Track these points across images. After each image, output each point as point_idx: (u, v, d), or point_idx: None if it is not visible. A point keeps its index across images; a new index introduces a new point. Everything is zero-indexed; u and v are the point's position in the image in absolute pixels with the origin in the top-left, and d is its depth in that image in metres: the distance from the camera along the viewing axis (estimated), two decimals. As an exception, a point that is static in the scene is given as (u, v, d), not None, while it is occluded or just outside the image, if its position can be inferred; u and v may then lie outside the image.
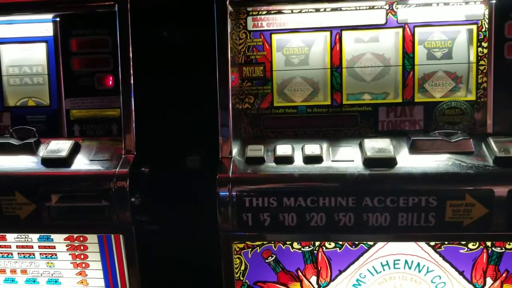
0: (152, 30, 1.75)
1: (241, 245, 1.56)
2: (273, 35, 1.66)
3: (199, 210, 1.72)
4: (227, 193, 1.47)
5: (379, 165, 1.46)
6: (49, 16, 1.69)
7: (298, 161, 1.52)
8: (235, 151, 1.59)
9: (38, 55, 1.73)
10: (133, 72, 1.61)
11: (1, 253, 1.67)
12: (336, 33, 1.64)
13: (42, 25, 1.71)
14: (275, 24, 1.65)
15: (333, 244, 1.53)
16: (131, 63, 1.61)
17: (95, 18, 1.68)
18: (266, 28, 1.65)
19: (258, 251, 1.56)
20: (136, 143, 1.61)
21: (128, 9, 1.59)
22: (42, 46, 1.72)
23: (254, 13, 1.65)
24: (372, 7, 1.62)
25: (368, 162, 1.47)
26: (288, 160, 1.52)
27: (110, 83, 1.69)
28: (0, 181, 1.55)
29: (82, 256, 1.64)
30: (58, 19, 1.69)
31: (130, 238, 1.58)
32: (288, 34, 1.66)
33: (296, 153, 1.54)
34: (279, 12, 1.65)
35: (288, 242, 1.54)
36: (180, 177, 1.83)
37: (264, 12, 1.64)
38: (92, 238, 1.61)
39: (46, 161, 1.57)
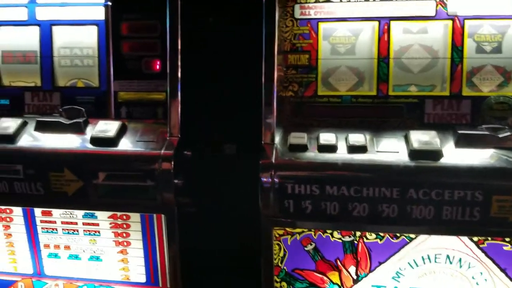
0: (201, 17, 1.77)
1: (281, 232, 1.57)
2: (320, 24, 1.66)
3: (240, 195, 1.74)
4: (270, 179, 1.49)
5: (424, 158, 1.45)
6: (101, 0, 1.74)
7: (342, 150, 1.52)
8: (277, 138, 1.60)
9: (89, 37, 1.77)
10: (181, 57, 1.64)
11: (46, 228, 1.73)
12: (384, 23, 1.63)
13: (94, 8, 1.75)
14: (322, 12, 1.65)
15: (374, 235, 1.53)
16: (179, 48, 1.64)
17: (146, 3, 1.71)
18: (313, 16, 1.65)
19: (298, 238, 1.57)
20: (181, 126, 1.65)
21: (179, -5, 1.63)
22: (94, 29, 1.76)
23: (302, 1, 1.65)
24: (422, -2, 1.61)
25: (414, 154, 1.45)
26: (332, 148, 1.52)
27: (158, 67, 1.72)
28: (50, 158, 1.61)
29: (124, 235, 1.68)
30: (109, 3, 1.73)
31: (172, 219, 1.61)
32: (335, 23, 1.66)
33: (339, 142, 1.54)
34: (328, 0, 1.65)
35: (328, 231, 1.55)
36: (222, 161, 1.85)
37: (313, 1, 1.65)
38: (135, 217, 1.65)
39: (94, 140, 1.62)
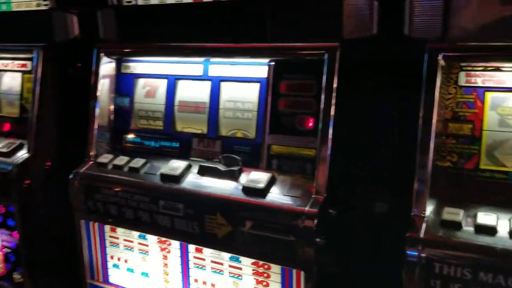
0: (357, 80, 1.80)
1: (423, 310, 1.46)
2: (487, 93, 1.54)
3: (381, 261, 1.68)
4: (416, 254, 1.41)
5: None
6: (266, 60, 1.88)
7: (503, 234, 1.37)
8: (429, 210, 1.51)
9: (251, 93, 1.93)
10: (333, 117, 1.68)
11: (198, 264, 1.89)
12: None
13: (259, 67, 1.91)
14: (491, 81, 1.53)
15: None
16: (333, 108, 1.68)
17: (305, 64, 1.81)
18: (480, 84, 1.55)
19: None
20: (327, 185, 1.67)
21: (337, 59, 1.68)
22: (256, 86, 1.92)
23: (468, 68, 1.56)
24: None
25: None
26: (491, 230, 1.38)
27: (311, 124, 1.79)
28: (207, 201, 1.78)
29: (264, 283, 1.75)
30: (273, 63, 1.87)
31: (311, 277, 1.63)
32: (505, 93, 1.52)
33: (501, 225, 1.39)
34: (497, 69, 1.52)
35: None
36: (365, 223, 1.82)
37: (480, 68, 1.54)
38: (276, 269, 1.71)
39: (246, 189, 1.74)
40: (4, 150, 2.27)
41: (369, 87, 1.81)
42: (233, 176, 1.83)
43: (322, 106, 1.70)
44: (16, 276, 2.37)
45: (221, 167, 1.85)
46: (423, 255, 1.40)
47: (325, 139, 1.69)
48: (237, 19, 1.89)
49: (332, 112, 1.68)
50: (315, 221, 1.59)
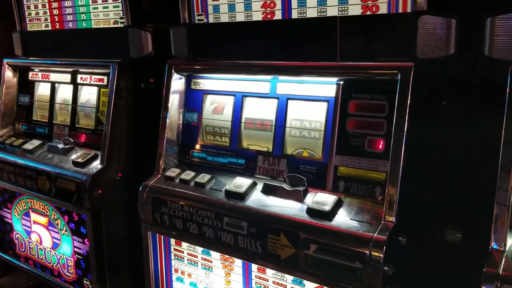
0: (431, 102, 1.72)
1: None
2: None
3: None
4: (494, 291, 1.31)
5: None
6: (334, 79, 1.85)
7: None
8: (510, 242, 1.40)
9: (318, 112, 1.90)
10: (405, 141, 1.61)
11: (259, 283, 1.87)
12: None
13: (327, 86, 1.87)
14: None
15: None
16: (405, 131, 1.61)
17: (375, 83, 1.75)
18: None
19: None
20: (397, 211, 1.60)
21: (411, 79, 1.61)
22: (324, 105, 1.88)
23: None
24: None
25: None
26: None
27: (381, 147, 1.73)
28: (270, 220, 1.76)
29: (327, 309, 1.70)
30: (341, 82, 1.83)
31: (377, 307, 1.56)
32: None
33: None
34: None
35: None
36: (437, 252, 1.72)
37: None
38: (340, 294, 1.66)
39: (310, 211, 1.71)
40: (80, 160, 2.40)
41: (444, 108, 1.72)
42: (298, 196, 1.80)
43: (394, 127, 1.63)
44: (86, 283, 2.48)
45: (286, 187, 1.83)
46: (502, 292, 1.30)
47: (396, 162, 1.61)
48: (306, 37, 1.88)
49: (405, 134, 1.61)
50: (384, 248, 1.52)
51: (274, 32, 1.97)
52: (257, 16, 2.00)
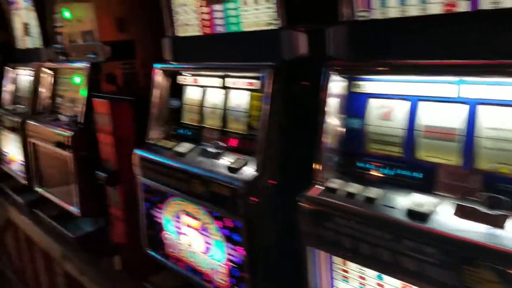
0: None
1: None
2: None
3: None
4: None
5: None
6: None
7: None
8: None
9: (522, 120, 1.59)
10: None
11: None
12: None
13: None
14: None
15: None
16: None
17: None
18: None
19: None
20: None
21: None
22: (529, 112, 1.57)
23: None
24: None
25: None
26: None
27: None
28: (470, 249, 1.50)
29: None
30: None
31: None
32: None
33: None
34: None
35: None
36: None
37: None
38: None
39: (520, 242, 1.42)
40: (235, 166, 2.35)
41: None
42: (496, 221, 1.52)
43: None
44: (240, 292, 2.43)
45: (484, 209, 1.55)
46: None
47: None
48: (496, 32, 1.58)
49: None
50: None
51: (456, 27, 1.70)
52: (435, 9, 1.75)
